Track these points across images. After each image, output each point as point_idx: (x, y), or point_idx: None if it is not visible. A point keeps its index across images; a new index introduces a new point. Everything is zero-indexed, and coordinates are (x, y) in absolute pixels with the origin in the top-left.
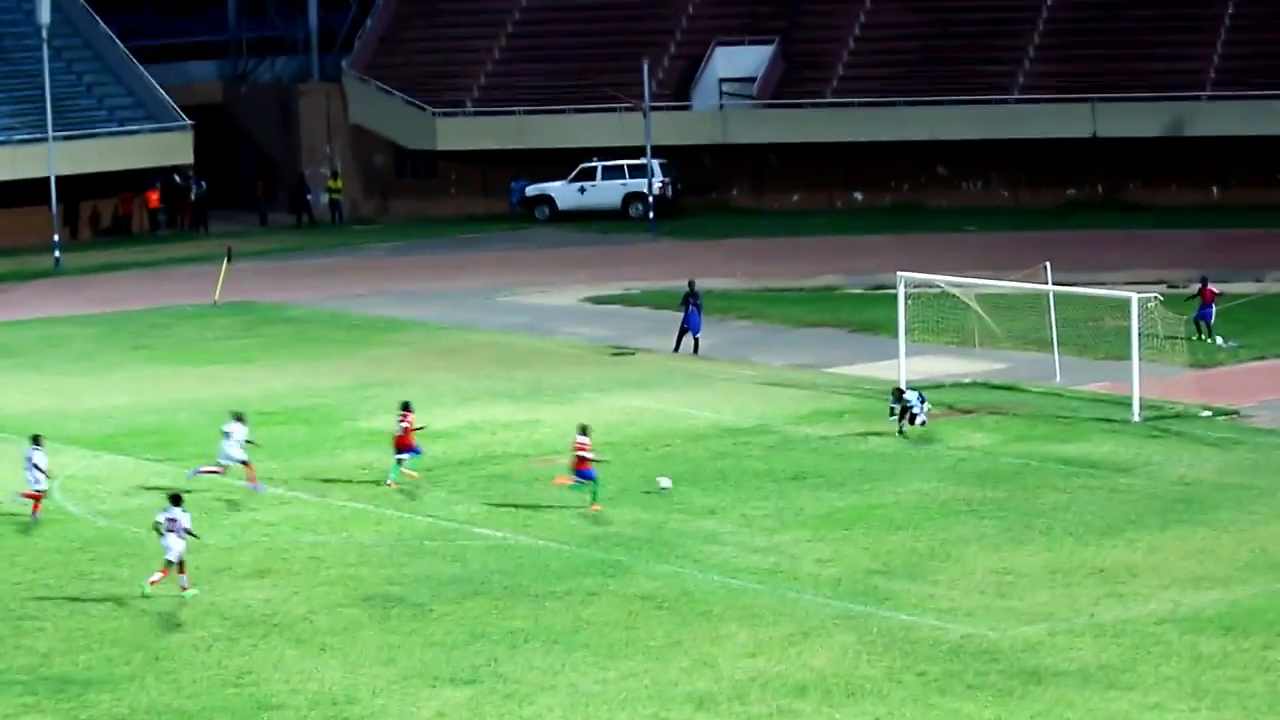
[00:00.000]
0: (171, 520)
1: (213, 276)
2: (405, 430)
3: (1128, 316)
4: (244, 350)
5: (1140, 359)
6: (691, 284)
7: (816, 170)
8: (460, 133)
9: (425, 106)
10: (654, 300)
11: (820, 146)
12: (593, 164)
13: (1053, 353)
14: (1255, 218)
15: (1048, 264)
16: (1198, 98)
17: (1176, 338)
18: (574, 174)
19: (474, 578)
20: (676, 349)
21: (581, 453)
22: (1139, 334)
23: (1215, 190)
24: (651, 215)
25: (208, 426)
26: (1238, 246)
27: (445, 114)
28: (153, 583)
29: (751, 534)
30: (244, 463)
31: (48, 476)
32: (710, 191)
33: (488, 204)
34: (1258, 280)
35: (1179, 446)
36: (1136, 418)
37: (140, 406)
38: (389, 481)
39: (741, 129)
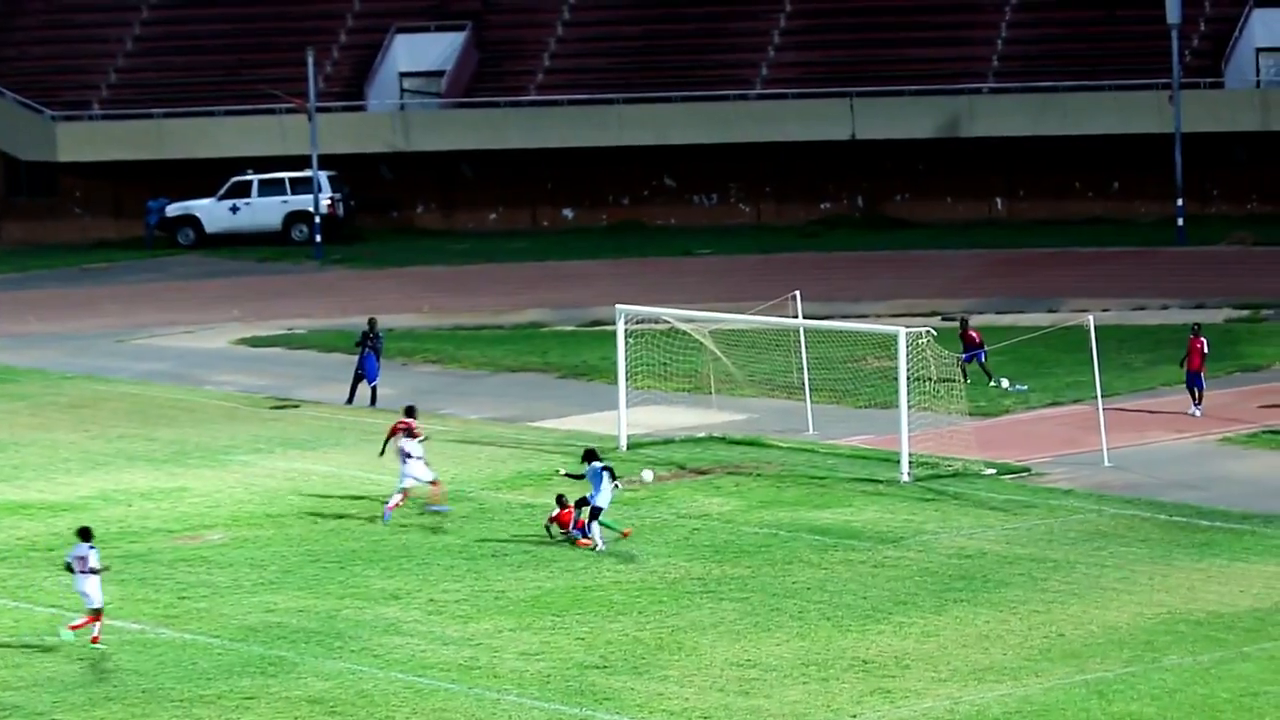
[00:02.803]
0: (80, 558)
1: None
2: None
3: (894, 355)
4: None
5: (910, 407)
6: (371, 322)
7: (518, 183)
8: (86, 141)
9: (42, 109)
10: (322, 342)
11: (522, 154)
12: (247, 177)
13: (804, 400)
14: (1048, 235)
15: (797, 293)
16: (977, 91)
17: (953, 380)
18: (224, 190)
19: (105, 680)
20: (350, 400)
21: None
22: (908, 377)
23: (999, 202)
24: (319, 239)
25: None
26: (1027, 270)
27: (67, 118)
28: (74, 627)
29: (442, 623)
30: (431, 481)
31: None
32: (390, 209)
33: (120, 227)
34: (1051, 310)
35: (957, 512)
36: (905, 477)
37: None
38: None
39: (427, 134)
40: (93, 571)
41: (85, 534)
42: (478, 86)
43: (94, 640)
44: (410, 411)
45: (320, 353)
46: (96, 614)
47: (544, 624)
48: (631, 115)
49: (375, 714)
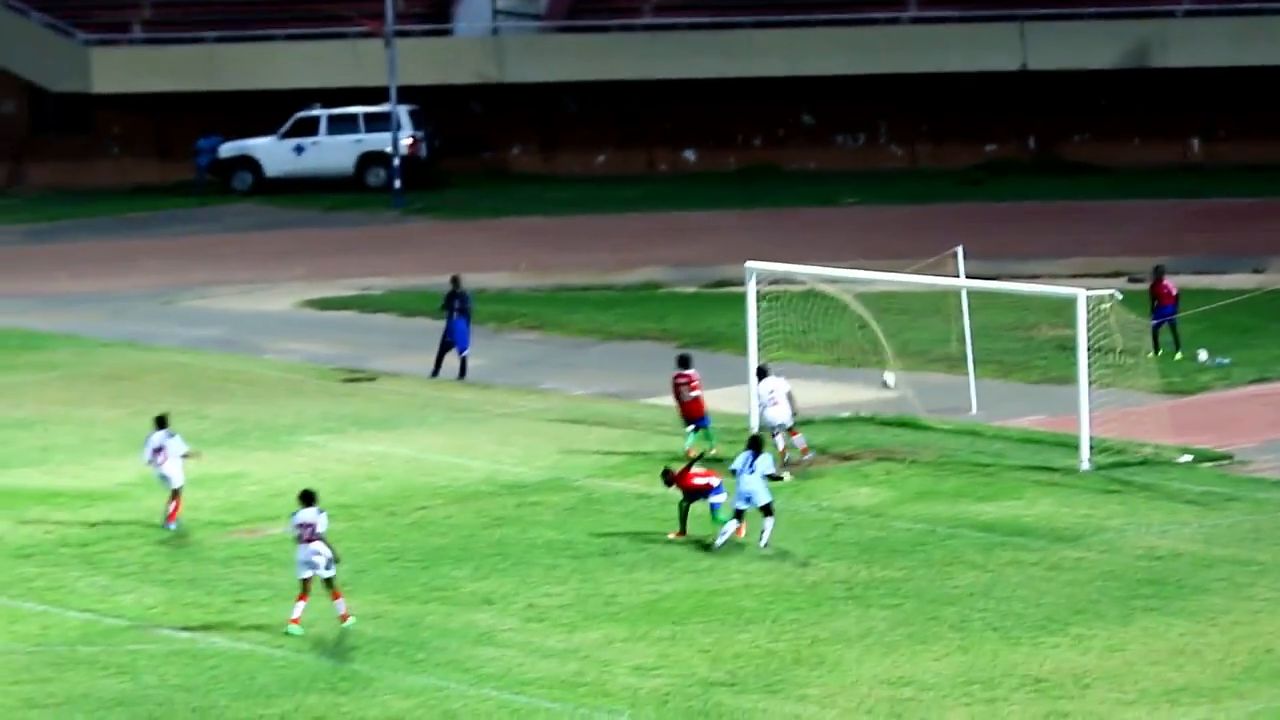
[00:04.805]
0: (305, 526)
1: None
2: (694, 397)
3: (1072, 322)
4: None
5: (1090, 382)
6: (455, 281)
7: (630, 121)
8: (126, 69)
9: (74, 32)
10: (402, 304)
11: (635, 87)
12: (314, 113)
13: (967, 374)
14: (1253, 182)
15: (959, 249)
16: (1171, 13)
17: (1141, 352)
18: (287, 127)
19: (148, 697)
20: (436, 372)
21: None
22: (1088, 347)
23: (1196, 144)
24: (398, 184)
25: None
26: (1229, 223)
27: (104, 43)
28: (295, 620)
29: (543, 632)
30: (790, 429)
31: None
32: (481, 150)
33: (165, 170)
34: (1257, 271)
35: (1146, 505)
36: (1085, 465)
37: None
38: (689, 449)
39: (524, 63)
40: (320, 540)
41: (309, 498)
42: (583, 8)
43: (343, 618)
44: (685, 362)
45: (400, 317)
46: (306, 589)
47: (661, 634)
48: (764, 41)
49: None
